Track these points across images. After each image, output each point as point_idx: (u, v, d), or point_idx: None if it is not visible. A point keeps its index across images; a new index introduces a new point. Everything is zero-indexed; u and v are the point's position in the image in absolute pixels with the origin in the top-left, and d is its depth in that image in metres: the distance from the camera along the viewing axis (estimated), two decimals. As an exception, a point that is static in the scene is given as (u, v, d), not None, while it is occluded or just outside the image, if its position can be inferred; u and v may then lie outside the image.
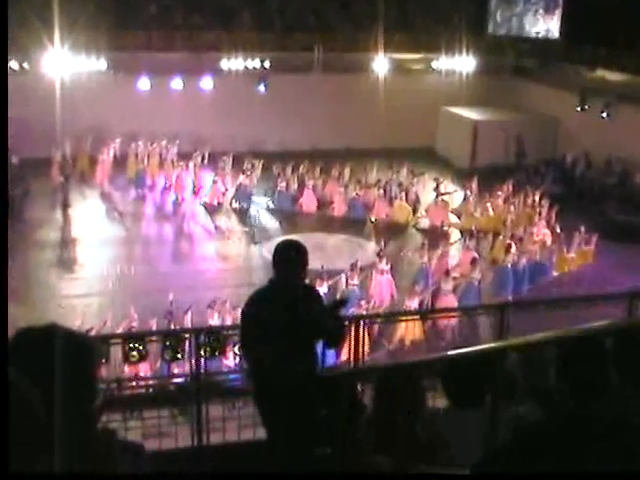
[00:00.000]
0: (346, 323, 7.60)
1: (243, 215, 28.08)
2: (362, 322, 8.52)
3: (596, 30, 31.61)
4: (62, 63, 29.79)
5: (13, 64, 28.92)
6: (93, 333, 15.14)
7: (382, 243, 22.94)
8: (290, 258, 5.88)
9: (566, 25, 34.32)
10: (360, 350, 8.12)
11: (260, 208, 28.45)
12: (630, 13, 30.76)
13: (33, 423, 2.19)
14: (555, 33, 35.10)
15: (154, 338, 9.96)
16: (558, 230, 24.66)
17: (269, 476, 5.93)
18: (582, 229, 23.88)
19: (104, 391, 8.11)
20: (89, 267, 23.37)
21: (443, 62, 35.71)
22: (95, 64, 32.12)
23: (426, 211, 27.84)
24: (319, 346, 6.22)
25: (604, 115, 30.96)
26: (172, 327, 16.66)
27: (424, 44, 35.76)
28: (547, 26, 35.99)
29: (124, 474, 2.78)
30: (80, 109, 29.93)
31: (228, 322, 16.50)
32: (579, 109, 32.64)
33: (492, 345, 4.83)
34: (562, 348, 3.58)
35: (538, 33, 36.61)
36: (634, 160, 29.84)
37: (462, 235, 25.60)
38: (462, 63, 35.33)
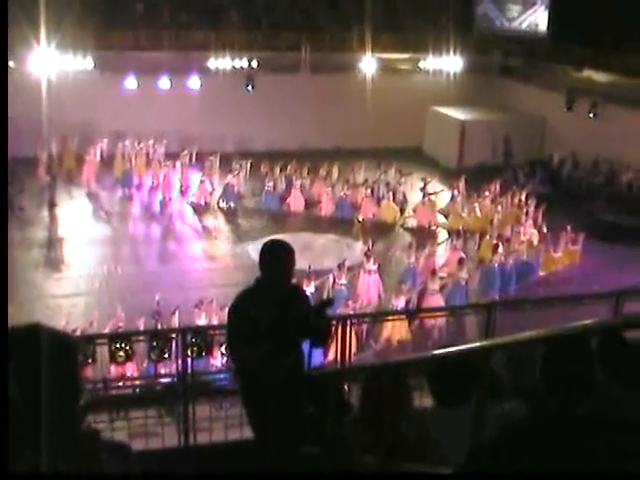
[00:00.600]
0: (333, 323, 7.59)
1: (230, 215, 28.04)
2: (349, 322, 8.52)
3: (583, 30, 31.71)
4: (49, 62, 29.67)
5: (-1, 63, 28.76)
6: (79, 333, 15.13)
7: (369, 243, 22.95)
8: (276, 258, 5.88)
9: (553, 25, 34.42)
10: (347, 350, 8.11)
11: (247, 208, 28.42)
12: (617, 13, 30.88)
13: (16, 422, 2.18)
14: (542, 33, 35.16)
15: (141, 338, 9.93)
16: (545, 230, 24.73)
17: (256, 476, 5.92)
18: (569, 229, 23.96)
19: (90, 391, 8.09)
20: (76, 267, 23.29)
21: (431, 62, 35.73)
22: (82, 63, 32.01)
23: (413, 211, 27.85)
24: (306, 345, 6.21)
25: (591, 115, 31.06)
26: (159, 327, 16.62)
27: (412, 44, 35.79)
28: (534, 26, 36.04)
29: (119, 474, 2.77)
30: (67, 108, 29.82)
31: (215, 322, 16.48)
32: (566, 109, 32.74)
33: (478, 344, 4.84)
34: (548, 347, 3.58)
35: (525, 33, 36.66)
36: (621, 160, 29.96)
37: (449, 235, 25.63)
38: (449, 63, 35.38)
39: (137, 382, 11.13)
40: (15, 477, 2.22)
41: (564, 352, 3.37)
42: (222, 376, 10.99)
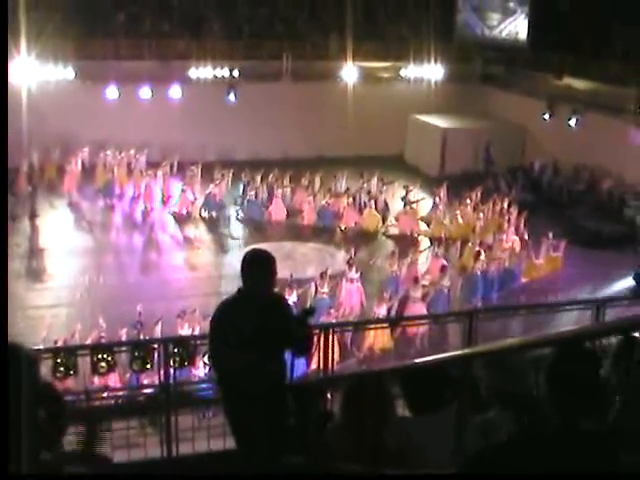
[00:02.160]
0: (315, 331, 7.59)
1: (212, 224, 27.99)
2: (331, 330, 8.51)
3: (563, 38, 31.90)
4: (29, 71, 29.55)
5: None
6: (61, 344, 15.07)
7: (352, 251, 22.94)
8: (258, 267, 5.87)
9: (533, 33, 34.57)
10: (329, 358, 8.11)
11: (229, 217, 28.37)
12: (596, 21, 31.10)
13: None
14: (522, 41, 35.32)
15: (123, 349, 9.90)
16: (527, 237, 24.83)
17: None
18: (550, 236, 24.06)
19: (72, 402, 8.04)
20: (57, 277, 23.19)
21: (412, 70, 35.84)
22: (63, 73, 31.90)
23: (395, 219, 27.89)
24: (288, 355, 6.20)
25: (571, 122, 31.20)
26: (141, 337, 16.56)
27: (393, 52, 35.88)
28: (514, 34, 36.20)
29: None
30: (48, 118, 29.71)
31: (197, 332, 16.44)
32: (547, 116, 32.89)
33: (459, 352, 4.84)
34: (531, 354, 3.60)
35: (505, 41, 36.81)
36: (602, 167, 30.12)
37: (431, 243, 25.69)
38: (431, 71, 35.49)
39: (119, 393, 11.08)
40: (31, 477, 2.23)
41: (547, 360, 3.37)
42: (204, 386, 10.97)
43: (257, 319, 5.67)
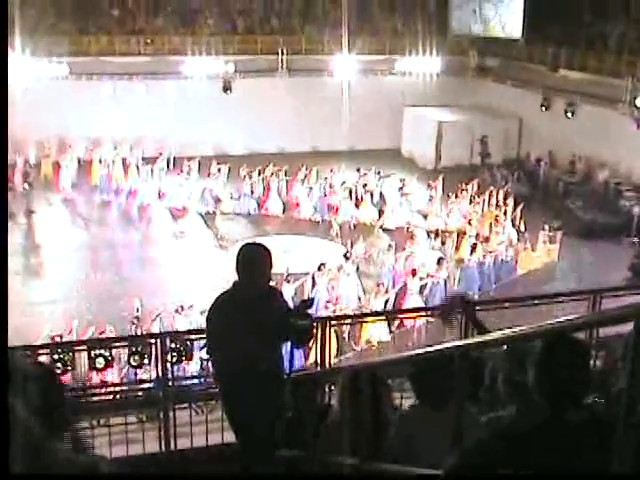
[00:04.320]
0: (313, 323, 7.59)
1: (208, 219, 27.98)
2: (329, 323, 8.51)
3: (558, 30, 31.90)
4: (23, 68, 29.51)
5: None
6: (58, 340, 15.06)
7: (348, 244, 22.97)
8: (254, 261, 5.85)
9: (528, 25, 34.53)
10: (327, 352, 8.11)
11: (225, 211, 28.37)
12: (591, 14, 31.13)
13: None
14: (518, 33, 35.26)
15: (120, 344, 9.88)
16: (523, 229, 24.87)
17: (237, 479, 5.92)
18: (547, 227, 24.10)
19: (69, 399, 8.04)
20: (54, 273, 23.18)
21: (407, 63, 35.81)
22: (57, 69, 31.89)
23: (392, 212, 27.88)
24: (286, 348, 6.20)
25: (567, 114, 31.23)
26: (139, 332, 16.56)
27: (388, 45, 35.86)
28: (510, 26, 36.13)
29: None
30: (43, 115, 29.73)
31: (195, 326, 16.43)
32: (542, 109, 32.92)
33: (458, 343, 4.84)
34: (527, 345, 3.59)
35: (500, 33, 36.76)
36: (597, 158, 30.14)
37: (428, 235, 25.68)
38: (426, 64, 35.47)
39: (117, 388, 11.08)
40: (31, 477, 2.23)
41: (544, 351, 3.36)
42: (202, 380, 10.97)
43: (253, 313, 5.66)
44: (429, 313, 13.05)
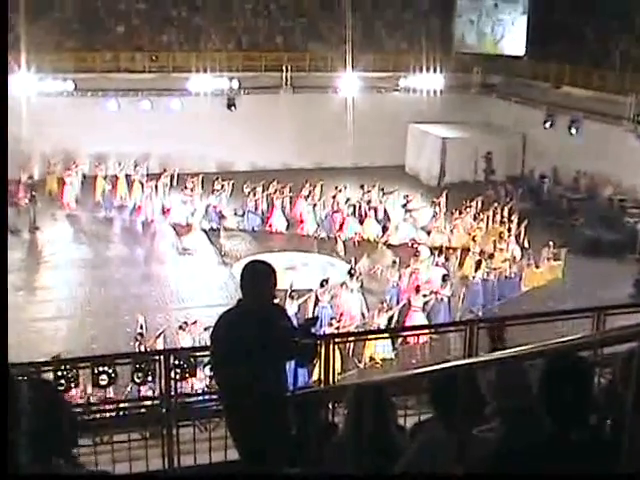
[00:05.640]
0: (317, 342, 7.57)
1: (212, 235, 27.97)
2: (332, 341, 8.48)
3: (561, 48, 31.98)
4: (29, 85, 29.62)
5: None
6: (62, 356, 15.03)
7: (352, 261, 22.93)
8: (258, 278, 5.84)
9: (532, 43, 34.61)
10: (331, 369, 8.08)
11: (229, 228, 28.37)
12: (594, 31, 31.19)
13: None
14: (521, 51, 35.33)
15: (124, 361, 9.87)
16: (527, 245, 24.83)
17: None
18: (551, 244, 24.07)
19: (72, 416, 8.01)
20: (58, 290, 23.17)
21: (411, 80, 35.88)
22: (62, 85, 32.01)
23: (396, 228, 27.86)
24: (290, 366, 6.19)
25: (571, 131, 31.27)
26: (142, 349, 16.53)
27: (392, 63, 35.94)
28: (514, 44, 36.20)
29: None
30: (48, 131, 29.82)
31: (199, 343, 16.40)
32: (546, 125, 32.96)
33: (462, 362, 4.83)
34: (530, 364, 3.59)
35: (504, 51, 36.85)
36: (601, 175, 30.15)
37: (432, 252, 25.63)
38: (430, 81, 35.52)
39: (120, 405, 11.05)
40: (31, 477, 2.23)
41: (547, 370, 3.35)
42: (206, 398, 10.94)
43: (257, 330, 5.65)
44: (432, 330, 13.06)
